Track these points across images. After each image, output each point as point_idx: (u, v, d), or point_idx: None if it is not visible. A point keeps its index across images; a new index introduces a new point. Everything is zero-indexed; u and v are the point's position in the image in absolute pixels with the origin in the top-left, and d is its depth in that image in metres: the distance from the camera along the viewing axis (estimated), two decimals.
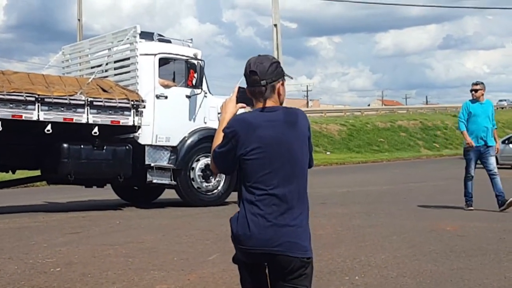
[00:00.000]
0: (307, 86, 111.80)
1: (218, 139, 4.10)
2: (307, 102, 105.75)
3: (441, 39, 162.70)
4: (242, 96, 4.46)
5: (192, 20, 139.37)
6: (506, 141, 29.36)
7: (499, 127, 60.67)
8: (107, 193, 17.08)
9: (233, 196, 15.93)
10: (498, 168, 27.44)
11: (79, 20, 41.16)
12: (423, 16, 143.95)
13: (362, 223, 12.14)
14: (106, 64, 15.51)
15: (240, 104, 4.28)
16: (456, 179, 25.51)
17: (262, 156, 3.95)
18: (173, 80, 15.37)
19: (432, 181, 24.49)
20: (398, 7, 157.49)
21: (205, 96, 15.37)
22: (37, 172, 15.10)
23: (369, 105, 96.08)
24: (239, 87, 4.46)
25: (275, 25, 34.55)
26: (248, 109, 4.15)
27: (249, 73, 4.03)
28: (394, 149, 49.03)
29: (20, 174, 15.68)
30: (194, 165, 15.08)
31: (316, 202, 16.09)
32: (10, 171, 14.84)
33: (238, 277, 4.18)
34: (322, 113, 61.40)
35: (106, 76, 15.25)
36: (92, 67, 16.00)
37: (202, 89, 15.26)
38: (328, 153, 44.18)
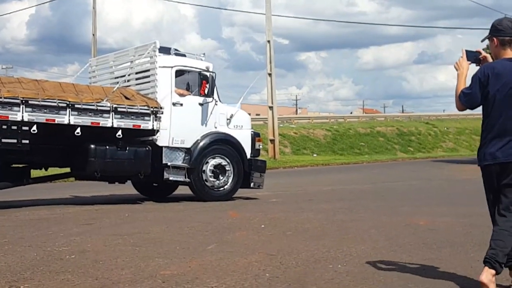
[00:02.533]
0: (296, 95, 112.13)
1: (461, 85, 5.86)
2: (296, 110, 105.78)
3: (416, 55, 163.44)
4: (471, 55, 6.07)
5: (195, 35, 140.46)
6: None
7: (466, 134, 60.98)
8: (120, 189, 17.06)
9: (240, 192, 16.05)
10: None
11: (93, 35, 41.15)
12: (401, 34, 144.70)
13: (345, 217, 12.13)
14: (129, 75, 15.69)
15: (468, 62, 5.95)
16: (427, 180, 25.61)
17: (502, 96, 5.63)
18: (188, 89, 15.54)
19: (407, 181, 24.51)
20: (378, 26, 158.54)
21: (216, 104, 15.55)
22: (67, 170, 15.21)
23: (351, 113, 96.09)
24: (466, 50, 6.02)
25: (268, 41, 34.55)
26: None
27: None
28: (373, 152, 49.02)
29: (51, 171, 15.82)
30: (205, 165, 15.23)
31: (303, 199, 16.10)
32: (43, 168, 15.10)
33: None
34: (309, 119, 61.38)
35: (129, 86, 15.44)
36: (115, 78, 16.16)
37: (213, 98, 15.47)
38: (314, 155, 44.16)
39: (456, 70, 6.04)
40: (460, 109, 6.06)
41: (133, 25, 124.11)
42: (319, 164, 37.30)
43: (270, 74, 34.76)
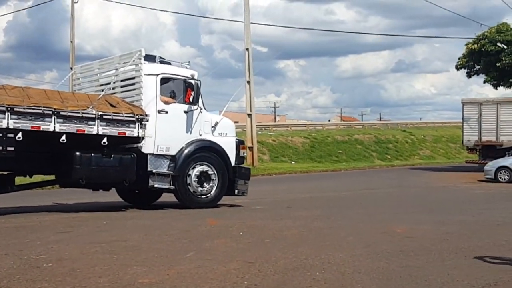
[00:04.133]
0: (275, 103, 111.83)
1: None
2: (275, 117, 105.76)
3: (394, 63, 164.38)
4: None
5: (174, 43, 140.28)
6: None
7: (443, 142, 61.40)
8: (99, 196, 16.95)
9: (224, 199, 16.05)
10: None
11: (71, 42, 40.97)
12: (378, 43, 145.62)
13: (323, 225, 12.14)
14: (114, 82, 15.63)
15: None
16: (405, 187, 25.74)
17: None
18: (172, 97, 15.51)
19: (384, 189, 24.62)
20: (357, 35, 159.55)
21: (201, 112, 15.58)
22: (52, 177, 15.14)
23: (329, 120, 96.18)
24: None
25: (247, 49, 34.58)
26: None
27: None
28: (351, 159, 49.17)
29: (35, 178, 15.73)
30: (190, 172, 15.21)
31: (282, 206, 16.10)
32: (27, 176, 14.95)
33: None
34: (288, 127, 61.40)
35: (114, 93, 15.36)
36: (100, 85, 16.12)
37: (198, 105, 15.49)
38: (293, 162, 44.20)
39: None
40: None
41: (111, 32, 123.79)
42: (297, 171, 37.33)
43: (248, 82, 34.77)
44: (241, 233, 10.79)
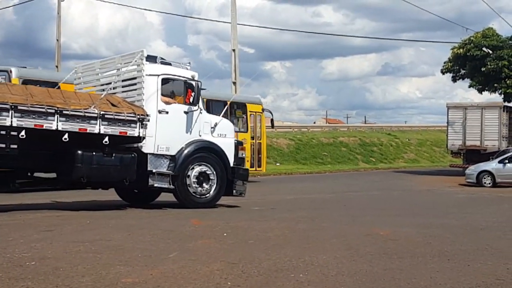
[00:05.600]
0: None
1: None
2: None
3: (380, 66, 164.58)
4: None
5: (161, 43, 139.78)
6: (504, 161, 29.00)
7: (427, 145, 61.67)
8: (83, 195, 16.90)
9: (222, 199, 16.07)
10: (496, 187, 27.67)
11: (57, 40, 40.81)
12: (365, 46, 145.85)
13: (307, 227, 12.16)
14: (115, 82, 15.66)
15: None
16: (389, 190, 25.84)
17: None
18: (172, 97, 15.62)
19: (368, 191, 24.70)
20: (343, 37, 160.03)
21: (200, 113, 15.69)
22: (53, 175, 15.16)
23: (314, 122, 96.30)
24: None
25: (234, 50, 34.61)
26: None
27: None
28: (336, 162, 49.29)
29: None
30: (190, 172, 15.28)
31: (266, 207, 16.12)
32: (28, 173, 14.94)
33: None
34: (273, 128, 61.37)
35: (114, 93, 15.41)
36: (101, 85, 16.17)
37: (198, 106, 15.60)
38: (278, 164, 44.25)
39: None
40: None
41: (98, 31, 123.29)
42: (282, 173, 37.41)
43: (234, 83, 34.80)
44: (225, 234, 10.79)
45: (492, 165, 29.31)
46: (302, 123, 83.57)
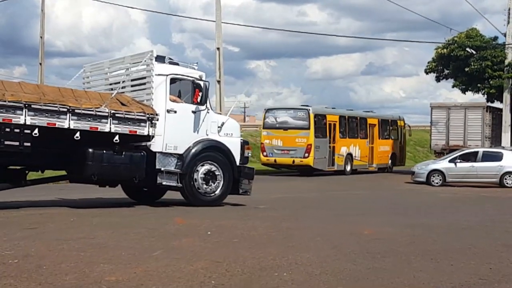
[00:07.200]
0: (244, 103, 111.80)
1: None
2: (244, 118, 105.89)
3: (364, 66, 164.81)
4: None
5: (145, 41, 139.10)
6: (455, 160, 28.89)
7: (411, 145, 61.85)
8: (66, 193, 16.83)
9: (229, 198, 16.11)
10: (445, 186, 27.60)
11: (41, 37, 40.55)
12: (349, 45, 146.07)
13: (291, 225, 12.19)
14: (124, 81, 15.81)
15: None
16: (372, 189, 25.90)
17: None
18: (179, 97, 15.71)
19: (352, 190, 24.76)
20: (328, 36, 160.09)
21: (208, 112, 15.81)
22: (63, 172, 15.46)
23: None
24: None
25: (218, 49, 34.50)
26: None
27: None
28: None
29: (47, 173, 15.78)
30: (197, 171, 15.42)
31: (250, 206, 16.12)
32: (39, 171, 15.20)
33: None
34: (257, 127, 61.47)
35: (123, 92, 15.53)
36: (110, 84, 16.33)
37: (206, 106, 15.74)
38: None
39: None
40: None
41: (82, 29, 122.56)
42: (266, 172, 37.38)
43: (219, 81, 34.73)
44: (209, 233, 10.79)
45: (442, 164, 29.23)
46: None
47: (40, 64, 40.03)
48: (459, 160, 28.60)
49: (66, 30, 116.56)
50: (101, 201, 16.38)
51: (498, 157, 28.51)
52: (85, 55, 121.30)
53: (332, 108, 36.61)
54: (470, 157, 28.78)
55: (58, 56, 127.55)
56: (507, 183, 27.70)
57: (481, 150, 29.60)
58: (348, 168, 35.07)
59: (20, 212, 13.26)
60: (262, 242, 9.94)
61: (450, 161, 28.97)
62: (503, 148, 32.29)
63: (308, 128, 32.21)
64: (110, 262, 7.84)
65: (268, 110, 34.53)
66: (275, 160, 33.33)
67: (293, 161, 32.53)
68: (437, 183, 28.35)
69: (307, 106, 33.29)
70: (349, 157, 35.28)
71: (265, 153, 33.67)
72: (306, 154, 32.07)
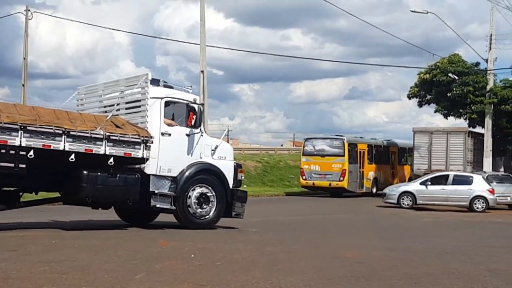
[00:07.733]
0: (228, 126, 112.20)
1: None
2: (228, 141, 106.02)
3: (347, 90, 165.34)
4: None
5: (129, 63, 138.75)
6: (426, 182, 28.96)
7: None
8: (49, 215, 16.69)
9: (222, 221, 16.07)
10: (416, 208, 27.65)
11: (24, 58, 40.50)
12: (333, 70, 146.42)
13: (275, 249, 12.16)
14: (118, 104, 15.80)
15: None
16: (356, 213, 25.94)
17: None
18: (173, 120, 15.69)
19: (335, 214, 24.78)
20: (312, 61, 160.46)
21: (202, 135, 15.83)
22: (57, 194, 15.44)
23: (282, 145, 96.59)
24: None
25: (202, 72, 34.56)
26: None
27: None
28: None
29: (41, 195, 15.80)
30: (190, 194, 15.39)
31: (233, 229, 16.08)
32: (33, 192, 15.14)
33: None
34: (240, 150, 61.45)
35: (117, 115, 15.49)
36: (104, 106, 16.35)
37: (200, 129, 15.75)
38: (245, 186, 44.11)
39: None
40: None
41: (66, 51, 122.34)
42: (249, 195, 37.33)
43: (203, 104, 34.75)
44: (192, 255, 10.74)
45: (413, 186, 29.42)
46: (270, 146, 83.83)
47: (23, 85, 39.96)
48: (430, 183, 28.78)
49: (50, 51, 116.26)
50: (89, 224, 16.27)
51: (468, 181, 28.72)
52: (69, 77, 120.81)
53: (360, 137, 41.00)
54: (441, 180, 29.04)
55: (41, 78, 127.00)
56: (477, 207, 27.84)
57: (451, 173, 29.89)
58: (374, 190, 38.46)
59: (1, 234, 13.14)
60: (245, 265, 9.90)
61: (421, 183, 29.18)
62: (484, 172, 32.51)
63: (343, 155, 36.41)
64: (92, 285, 7.78)
65: (307, 139, 39.43)
66: (313, 183, 37.19)
67: (330, 184, 36.40)
68: (407, 204, 28.50)
69: (341, 136, 37.81)
70: (375, 180, 39.17)
71: (304, 177, 37.63)
72: (341, 178, 36.02)
